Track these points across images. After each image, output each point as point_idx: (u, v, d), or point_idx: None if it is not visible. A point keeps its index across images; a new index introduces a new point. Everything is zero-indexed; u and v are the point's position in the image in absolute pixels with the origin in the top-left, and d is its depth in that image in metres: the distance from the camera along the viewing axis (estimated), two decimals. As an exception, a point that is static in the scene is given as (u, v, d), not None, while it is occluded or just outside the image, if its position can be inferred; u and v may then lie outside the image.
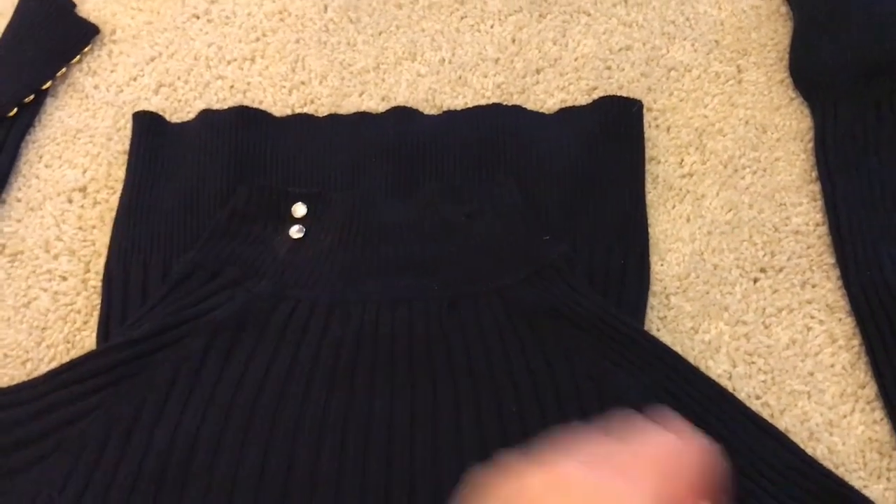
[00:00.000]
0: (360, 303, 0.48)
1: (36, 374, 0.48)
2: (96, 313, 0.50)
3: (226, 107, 0.58)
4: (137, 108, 0.58)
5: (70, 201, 0.55)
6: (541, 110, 0.57)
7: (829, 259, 0.51)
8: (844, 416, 0.46)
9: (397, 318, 0.47)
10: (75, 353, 0.50)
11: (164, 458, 0.42)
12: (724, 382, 0.47)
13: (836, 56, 0.56)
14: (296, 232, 0.51)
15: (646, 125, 0.56)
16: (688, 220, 0.53)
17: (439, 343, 0.46)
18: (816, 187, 0.54)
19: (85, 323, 0.51)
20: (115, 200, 0.54)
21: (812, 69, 0.57)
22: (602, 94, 0.57)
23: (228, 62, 0.61)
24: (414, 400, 0.45)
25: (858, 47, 0.55)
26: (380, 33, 0.62)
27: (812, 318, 0.49)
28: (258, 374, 0.45)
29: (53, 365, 0.49)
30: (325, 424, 0.44)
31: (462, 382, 0.45)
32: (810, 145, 0.55)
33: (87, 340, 0.50)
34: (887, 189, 0.52)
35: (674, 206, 0.54)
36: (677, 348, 0.48)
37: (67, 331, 0.50)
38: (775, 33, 0.60)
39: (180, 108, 0.59)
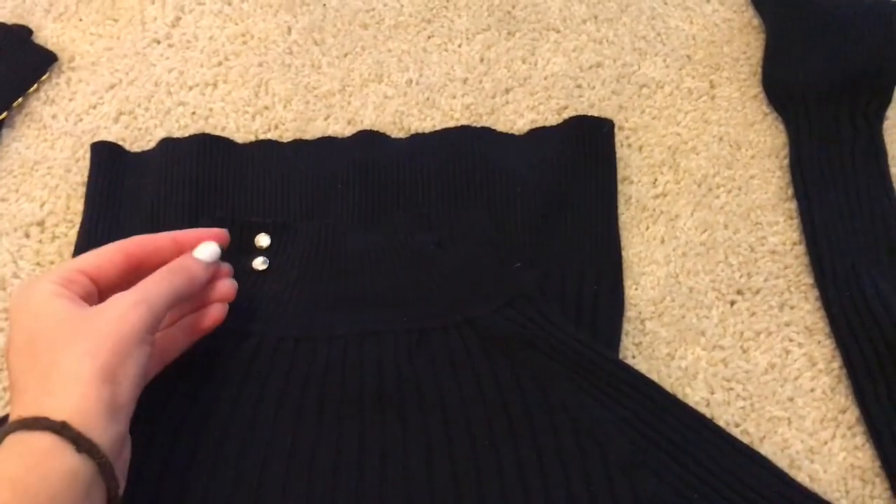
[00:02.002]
0: (326, 338, 0.46)
1: (-9, 419, 0.46)
2: (54, 354, 0.49)
3: (188, 134, 0.56)
4: (97, 138, 0.57)
5: (27, 236, 0.54)
6: (510, 131, 0.56)
7: (808, 279, 0.50)
8: (825, 443, 0.45)
9: (365, 353, 0.46)
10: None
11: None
12: (701, 410, 0.46)
13: (810, 70, 0.55)
14: (259, 264, 0.50)
15: (618, 144, 0.55)
16: (662, 241, 0.52)
17: (409, 378, 0.45)
18: (793, 205, 0.53)
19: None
20: (74, 234, 0.53)
21: (785, 83, 0.56)
22: (573, 114, 0.56)
23: (190, 88, 0.59)
24: (383, 438, 0.43)
25: (832, 61, 0.54)
26: (345, 55, 0.60)
27: (791, 340, 0.48)
28: (223, 416, 0.44)
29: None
30: (292, 466, 0.42)
31: (433, 418, 0.43)
32: (785, 162, 0.54)
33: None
34: (865, 205, 0.51)
35: (647, 228, 0.53)
36: (653, 375, 0.47)
37: (25, 372, 0.49)
38: (748, 47, 0.59)
39: (141, 137, 0.57)
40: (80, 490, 0.34)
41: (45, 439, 0.33)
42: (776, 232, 0.52)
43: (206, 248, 0.44)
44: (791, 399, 0.47)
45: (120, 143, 0.56)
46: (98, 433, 0.34)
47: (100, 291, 0.41)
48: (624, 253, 0.51)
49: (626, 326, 0.49)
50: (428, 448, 0.43)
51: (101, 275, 0.41)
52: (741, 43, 0.60)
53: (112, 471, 0.35)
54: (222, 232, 0.46)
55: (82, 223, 0.53)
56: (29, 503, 0.32)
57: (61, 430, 0.33)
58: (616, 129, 0.55)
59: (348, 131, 0.57)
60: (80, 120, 0.58)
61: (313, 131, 0.57)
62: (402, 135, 0.57)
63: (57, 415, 0.34)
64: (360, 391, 0.44)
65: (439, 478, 0.42)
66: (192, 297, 0.44)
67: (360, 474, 0.42)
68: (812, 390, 0.47)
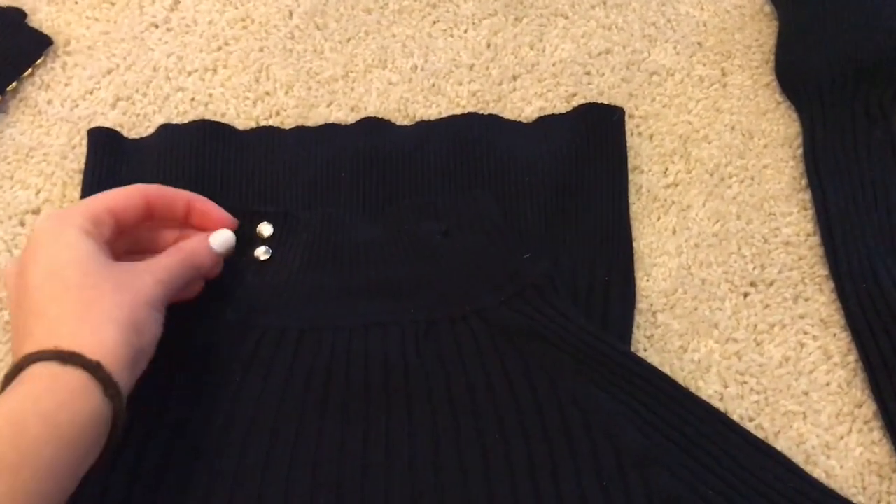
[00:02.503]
0: (330, 329, 0.45)
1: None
2: (50, 345, 0.47)
3: (187, 120, 0.55)
4: (94, 124, 0.55)
5: (22, 224, 0.52)
6: (518, 119, 0.55)
7: (822, 271, 0.49)
8: (841, 438, 0.44)
9: (371, 345, 0.45)
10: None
11: (126, 499, 0.40)
12: (715, 403, 0.45)
13: (824, 58, 0.54)
14: (262, 253, 0.48)
15: (628, 133, 0.54)
16: (673, 232, 0.51)
17: (416, 370, 0.44)
18: (807, 195, 0.52)
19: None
20: (70, 223, 0.52)
21: (799, 72, 0.55)
22: (582, 101, 0.55)
23: (189, 73, 0.58)
24: (389, 431, 0.42)
25: (847, 48, 0.53)
26: (348, 40, 0.59)
27: (805, 333, 0.47)
28: (226, 410, 0.43)
29: None
30: (296, 459, 0.41)
31: (441, 411, 0.42)
32: (799, 151, 0.53)
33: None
34: (881, 195, 0.50)
35: (659, 218, 0.51)
36: (665, 369, 0.46)
37: (20, 364, 0.47)
38: (760, 34, 0.58)
39: (139, 123, 0.56)
40: (99, 432, 0.34)
41: (78, 377, 0.34)
42: (790, 223, 0.51)
43: (223, 237, 0.45)
44: (806, 393, 0.46)
45: (117, 129, 0.55)
46: (121, 380, 0.35)
47: (119, 231, 0.42)
48: (635, 244, 0.50)
49: (638, 319, 0.48)
50: (435, 442, 0.42)
51: (124, 216, 0.42)
52: (753, 30, 0.58)
53: (123, 419, 0.36)
54: (232, 219, 0.47)
55: (79, 211, 0.51)
56: (58, 439, 0.32)
57: (95, 370, 0.34)
58: (626, 118, 0.54)
59: (351, 118, 0.56)
60: (77, 105, 0.57)
61: (315, 118, 0.56)
62: (406, 122, 0.55)
63: (93, 353, 0.34)
64: (366, 383, 0.43)
65: (447, 472, 0.41)
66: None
67: (365, 468, 0.41)
68: (827, 384, 0.46)
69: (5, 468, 0.30)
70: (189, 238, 0.45)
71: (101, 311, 0.36)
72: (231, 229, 0.46)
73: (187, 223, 0.46)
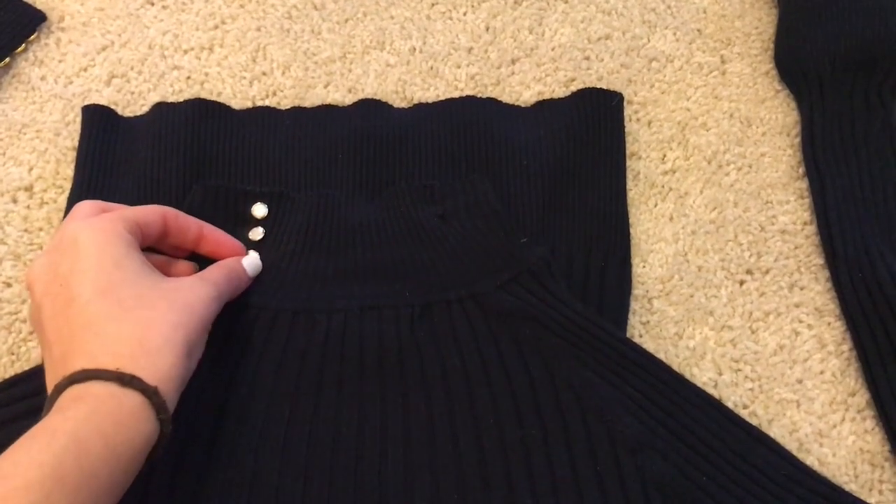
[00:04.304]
0: (325, 311, 0.45)
1: (-24, 389, 0.45)
2: (42, 323, 0.47)
3: (182, 99, 0.54)
4: (88, 101, 0.55)
5: (15, 201, 0.52)
6: (516, 103, 0.55)
7: (818, 260, 0.49)
8: (834, 426, 0.44)
9: (366, 327, 0.44)
10: (20, 366, 0.46)
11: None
12: (709, 390, 0.45)
13: (823, 46, 0.53)
14: (256, 234, 0.48)
15: (626, 119, 0.54)
16: (671, 219, 0.51)
17: (411, 353, 0.44)
18: (804, 184, 0.52)
19: (31, 333, 0.47)
20: (63, 200, 0.51)
21: (798, 60, 0.54)
22: (580, 86, 0.55)
23: (185, 51, 0.57)
24: (384, 414, 0.42)
25: (846, 36, 0.53)
26: (346, 21, 0.58)
27: (800, 322, 0.47)
28: (219, 392, 0.42)
29: (-3, 379, 0.46)
30: (290, 441, 0.41)
31: (436, 394, 0.42)
32: (797, 140, 0.53)
33: (33, 352, 0.47)
34: (878, 185, 0.50)
35: (656, 205, 0.51)
36: (661, 355, 0.46)
37: (12, 342, 0.47)
38: (759, 22, 0.58)
39: (133, 101, 0.55)
40: (145, 455, 0.34)
41: (136, 400, 0.34)
42: (787, 211, 0.51)
43: (254, 260, 0.46)
44: (800, 381, 0.46)
45: (112, 107, 0.54)
46: (171, 402, 0.36)
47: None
48: (632, 230, 0.50)
49: (634, 305, 0.48)
50: (429, 424, 0.41)
51: (147, 234, 0.42)
52: (753, 18, 0.58)
53: (166, 441, 0.36)
54: (243, 247, 0.47)
55: (72, 189, 0.51)
56: (116, 461, 0.32)
57: (153, 395, 0.34)
58: (625, 103, 0.54)
59: (349, 99, 0.55)
60: (71, 82, 0.56)
61: (312, 99, 0.55)
62: (404, 104, 0.55)
63: (149, 378, 0.34)
64: (360, 366, 0.43)
65: (441, 454, 0.40)
66: None
67: (359, 450, 0.41)
68: (821, 372, 0.46)
69: (68, 486, 0.30)
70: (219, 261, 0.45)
71: (158, 333, 0.36)
72: (241, 255, 0.46)
73: (196, 249, 0.46)
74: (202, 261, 0.46)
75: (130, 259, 0.38)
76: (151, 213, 0.42)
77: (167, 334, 0.36)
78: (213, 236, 0.46)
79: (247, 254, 0.46)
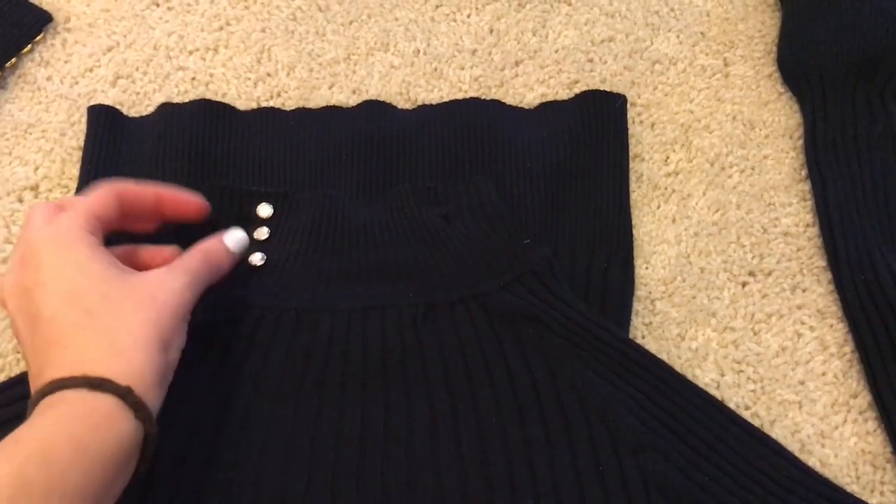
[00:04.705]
0: (329, 311, 0.45)
1: (-18, 387, 0.45)
2: (48, 322, 0.47)
3: (187, 100, 0.54)
4: (93, 101, 0.55)
5: (21, 200, 0.52)
6: (520, 105, 0.55)
7: (820, 262, 0.49)
8: (836, 427, 0.45)
9: (369, 327, 0.45)
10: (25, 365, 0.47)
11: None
12: (711, 392, 0.45)
13: (826, 49, 0.54)
14: (261, 234, 0.48)
15: (629, 121, 0.54)
16: (673, 220, 0.51)
17: (414, 353, 0.44)
18: (806, 186, 0.52)
19: (36, 332, 0.48)
20: (68, 200, 0.51)
21: (801, 63, 0.55)
22: (584, 88, 0.55)
23: (190, 52, 0.57)
24: (387, 414, 0.42)
25: (848, 40, 0.53)
26: (350, 22, 0.59)
27: (802, 323, 0.48)
28: (224, 392, 0.42)
29: (2, 377, 0.46)
30: (293, 442, 0.41)
31: (438, 395, 0.42)
32: (800, 142, 0.53)
33: (38, 350, 0.47)
34: (879, 188, 0.50)
35: (659, 207, 0.51)
36: (663, 356, 0.46)
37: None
38: (763, 25, 0.58)
39: (139, 102, 0.56)
40: (130, 455, 0.34)
41: (108, 402, 0.33)
42: (789, 213, 0.51)
43: (236, 234, 0.45)
44: (802, 382, 0.46)
45: (117, 107, 0.54)
46: (150, 400, 0.35)
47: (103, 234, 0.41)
48: (635, 231, 0.50)
49: (636, 306, 0.48)
50: (432, 425, 0.42)
51: (106, 218, 0.41)
52: (756, 21, 0.58)
53: (155, 440, 0.35)
54: (205, 203, 0.45)
55: (77, 188, 0.51)
56: (87, 464, 0.32)
57: (125, 395, 0.34)
58: (628, 106, 0.54)
59: (353, 101, 0.55)
60: (76, 83, 0.56)
61: (317, 100, 0.56)
62: (408, 106, 0.55)
63: (121, 378, 0.34)
64: (364, 366, 0.43)
65: (443, 454, 0.41)
66: None
67: (363, 450, 0.41)
68: (823, 374, 0.46)
69: (35, 494, 0.30)
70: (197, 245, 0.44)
71: (127, 333, 0.35)
72: (205, 212, 0.45)
73: (162, 218, 0.45)
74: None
75: (95, 261, 0.37)
76: (105, 197, 0.41)
77: (136, 332, 0.36)
78: (171, 196, 0.44)
79: (209, 210, 0.45)
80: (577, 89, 0.55)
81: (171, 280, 0.39)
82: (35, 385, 0.35)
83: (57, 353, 0.35)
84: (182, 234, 0.48)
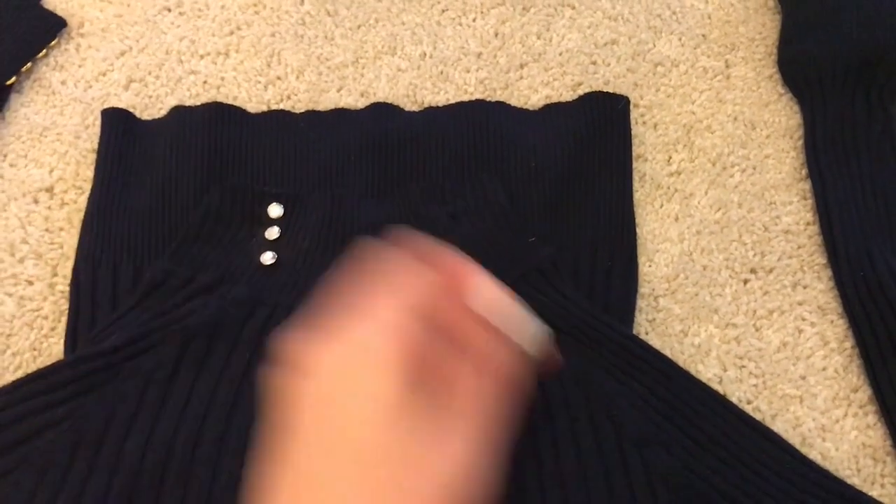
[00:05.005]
0: (339, 308, 0.46)
1: (0, 383, 0.46)
2: (64, 319, 0.48)
3: (199, 103, 0.55)
4: (106, 105, 0.56)
5: (36, 202, 0.53)
6: (525, 106, 0.56)
7: (821, 259, 0.50)
8: (837, 421, 0.45)
9: (378, 324, 0.45)
10: (42, 361, 0.48)
11: (135, 474, 0.40)
12: (714, 387, 0.46)
13: (825, 50, 0.55)
14: (272, 233, 0.49)
15: (632, 122, 0.55)
16: (676, 219, 0.52)
17: (422, 349, 0.44)
18: (807, 185, 0.53)
19: (52, 329, 0.49)
20: (83, 201, 0.52)
21: (801, 64, 0.55)
22: (587, 90, 0.56)
23: (201, 56, 0.59)
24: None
25: (848, 41, 0.54)
26: (358, 27, 0.60)
27: (803, 320, 0.48)
28: (233, 384, 0.43)
29: (19, 374, 0.47)
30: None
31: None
32: (800, 142, 0.54)
33: (54, 348, 0.48)
34: (879, 187, 0.51)
35: (662, 206, 0.52)
36: (666, 352, 0.47)
37: (34, 338, 0.48)
38: (763, 27, 0.59)
39: (151, 105, 0.57)
40: None
41: None
42: (790, 212, 0.52)
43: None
44: (803, 377, 0.47)
45: (130, 110, 0.55)
46: None
47: None
48: (638, 230, 0.51)
49: (640, 303, 0.49)
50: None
51: None
52: (757, 23, 0.59)
53: None
54: None
55: (92, 190, 0.52)
56: None
57: None
58: (631, 107, 0.55)
59: (361, 103, 0.56)
60: (90, 87, 0.58)
61: (326, 103, 0.57)
62: (415, 108, 0.56)
63: None
64: (373, 362, 0.44)
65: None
66: None
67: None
68: (824, 369, 0.47)
69: None
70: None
71: None
72: None
73: None
74: None
75: None
76: None
77: None
78: None
79: None
80: (581, 91, 0.56)
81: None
82: None
83: None
84: (181, 232, 0.49)
